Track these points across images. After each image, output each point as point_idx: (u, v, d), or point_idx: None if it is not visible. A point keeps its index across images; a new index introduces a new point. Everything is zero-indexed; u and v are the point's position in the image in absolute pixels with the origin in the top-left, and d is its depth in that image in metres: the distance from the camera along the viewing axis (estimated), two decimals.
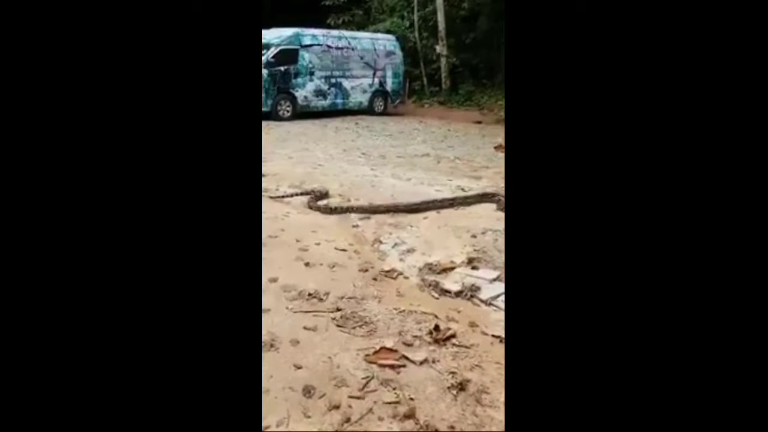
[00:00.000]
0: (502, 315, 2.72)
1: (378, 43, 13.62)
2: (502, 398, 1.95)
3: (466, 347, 2.31)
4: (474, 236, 3.81)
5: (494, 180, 5.96)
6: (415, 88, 15.64)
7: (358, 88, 12.90)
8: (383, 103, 13.49)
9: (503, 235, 3.80)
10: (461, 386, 2.00)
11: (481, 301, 2.88)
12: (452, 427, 1.79)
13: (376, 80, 13.32)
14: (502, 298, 2.90)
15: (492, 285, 3.06)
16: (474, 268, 3.31)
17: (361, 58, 12.92)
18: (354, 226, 4.01)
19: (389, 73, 13.54)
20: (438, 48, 15.20)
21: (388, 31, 15.24)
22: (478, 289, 2.98)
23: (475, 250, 3.56)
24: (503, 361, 2.21)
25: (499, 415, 1.85)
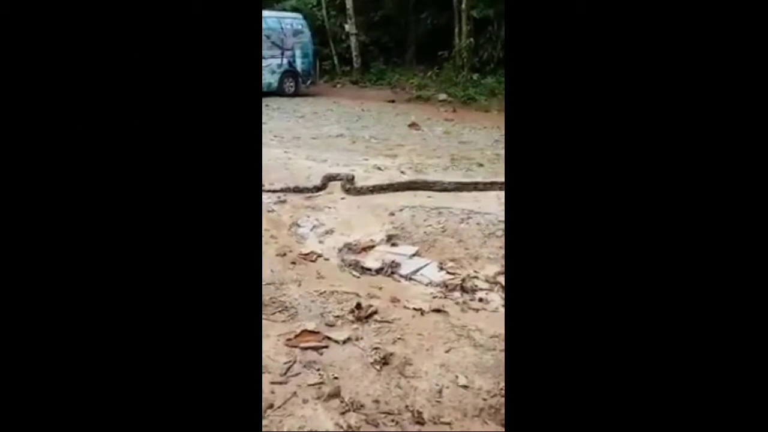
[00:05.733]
0: (422, 288, 2.79)
1: (285, 22, 13.20)
2: (425, 368, 2.00)
3: (388, 322, 2.35)
4: (392, 214, 3.85)
5: (409, 158, 6.04)
6: (326, 67, 15.41)
7: (267, 69, 12.46)
8: (294, 84, 13.16)
9: (420, 211, 3.88)
10: (385, 360, 2.03)
11: (402, 276, 2.93)
12: (377, 401, 1.81)
13: (285, 60, 12.95)
14: (422, 272, 2.97)
15: (411, 260, 3.13)
16: (393, 245, 3.35)
17: (268, 37, 12.47)
18: (269, 211, 3.91)
19: (298, 53, 13.20)
20: (347, 26, 15.03)
21: (294, 9, 14.82)
22: (398, 265, 3.03)
23: (393, 228, 3.60)
24: (425, 332, 2.27)
25: (422, 384, 1.90)
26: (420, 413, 1.77)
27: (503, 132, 7.75)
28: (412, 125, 8.51)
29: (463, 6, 11.86)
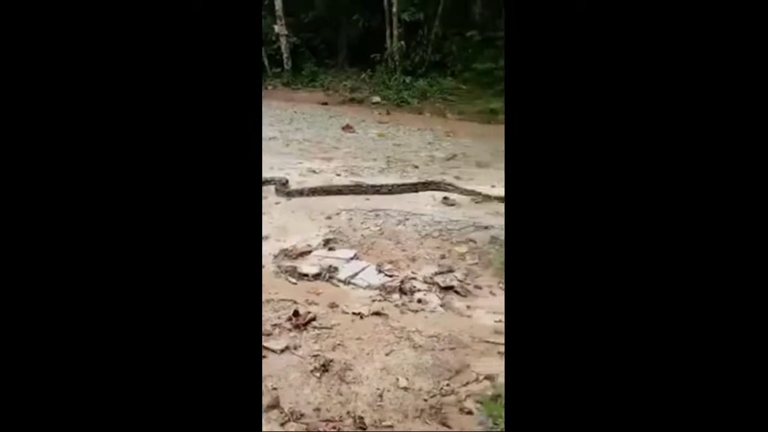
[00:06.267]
0: (361, 292, 2.78)
1: None
2: (365, 372, 2.00)
3: (327, 328, 2.32)
4: (329, 217, 3.81)
5: (344, 160, 6.02)
6: None
7: None
8: None
9: (358, 214, 3.86)
10: (324, 367, 2.00)
11: (340, 280, 2.90)
12: (318, 409, 1.79)
13: None
14: (361, 275, 2.96)
15: (349, 264, 3.11)
16: (331, 249, 3.32)
17: None
18: None
19: None
20: (276, 28, 14.76)
21: None
22: (336, 269, 3.00)
23: (330, 231, 3.57)
24: (365, 336, 2.26)
25: (363, 389, 1.89)
26: (362, 418, 1.76)
27: (436, 134, 7.91)
28: (346, 128, 8.49)
29: (394, 9, 11.99)
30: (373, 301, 2.65)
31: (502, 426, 1.71)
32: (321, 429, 1.71)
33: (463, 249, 3.32)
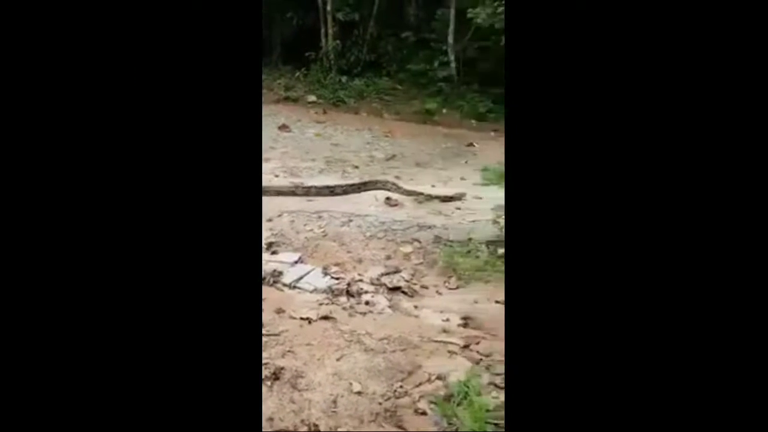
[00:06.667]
0: (308, 296, 2.73)
1: None
2: (317, 379, 1.97)
3: (275, 335, 2.27)
4: (270, 220, 3.73)
5: (282, 161, 5.91)
6: None
7: None
8: None
9: (300, 216, 3.80)
10: (275, 375, 1.96)
11: (285, 285, 2.85)
12: (271, 419, 1.74)
13: None
14: (306, 279, 2.92)
15: (294, 268, 3.05)
16: (274, 252, 3.25)
17: None
18: None
19: None
20: None
21: None
22: (280, 273, 2.94)
23: (273, 234, 3.49)
24: (314, 342, 2.23)
25: (316, 396, 1.86)
26: (316, 426, 1.73)
27: (374, 134, 7.94)
28: (282, 127, 8.33)
29: (328, 8, 11.91)
30: (321, 304, 2.62)
31: (457, 425, 1.74)
32: None
33: (408, 249, 3.35)
